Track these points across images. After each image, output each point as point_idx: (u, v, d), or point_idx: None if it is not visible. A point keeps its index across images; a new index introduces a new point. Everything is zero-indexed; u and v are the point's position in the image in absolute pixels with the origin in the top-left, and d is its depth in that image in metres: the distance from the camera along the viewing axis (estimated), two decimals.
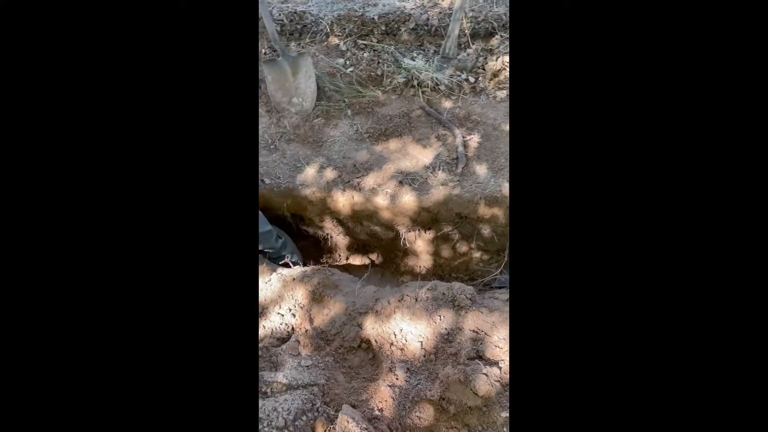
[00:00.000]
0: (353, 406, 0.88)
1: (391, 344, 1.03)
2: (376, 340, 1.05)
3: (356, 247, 1.71)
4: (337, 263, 1.74)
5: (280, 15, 1.83)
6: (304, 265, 1.41)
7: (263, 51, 1.81)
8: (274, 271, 1.27)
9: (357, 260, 1.73)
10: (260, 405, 0.86)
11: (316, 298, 1.15)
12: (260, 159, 1.59)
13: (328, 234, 1.67)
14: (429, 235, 1.58)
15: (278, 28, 1.84)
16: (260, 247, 1.45)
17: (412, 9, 1.82)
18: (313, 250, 1.75)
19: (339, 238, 1.69)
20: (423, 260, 1.64)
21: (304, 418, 0.84)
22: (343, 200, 1.49)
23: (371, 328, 1.06)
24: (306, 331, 1.09)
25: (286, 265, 1.32)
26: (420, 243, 1.62)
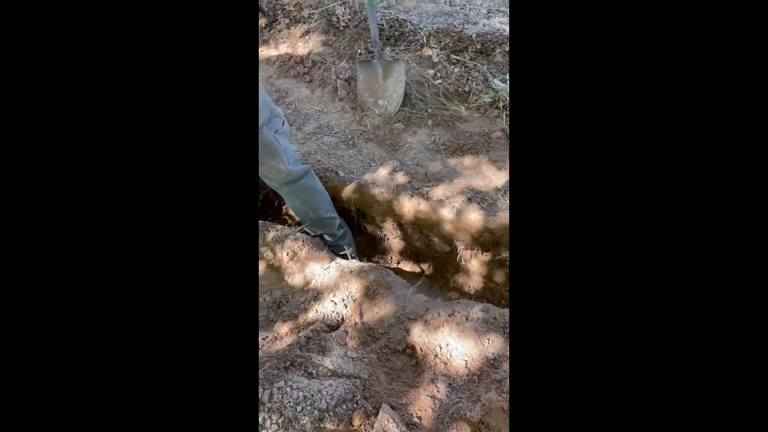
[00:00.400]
0: (392, 407, 0.89)
1: (436, 356, 1.04)
2: (421, 349, 1.06)
3: (409, 254, 1.73)
4: (388, 265, 1.76)
5: (381, 20, 1.90)
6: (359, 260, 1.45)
7: (359, 52, 1.89)
8: (333, 259, 1.32)
9: (407, 266, 1.74)
10: (306, 384, 0.90)
11: (369, 294, 1.18)
12: (338, 152, 1.66)
13: (385, 235, 1.70)
14: (486, 256, 1.56)
15: None
16: (320, 232, 1.51)
17: None
18: (367, 247, 1.79)
19: (395, 242, 1.72)
20: (474, 281, 1.63)
21: (344, 406, 0.87)
22: (410, 206, 1.51)
23: (418, 335, 1.07)
24: (355, 324, 1.13)
25: (344, 257, 1.37)
26: (474, 263, 1.60)
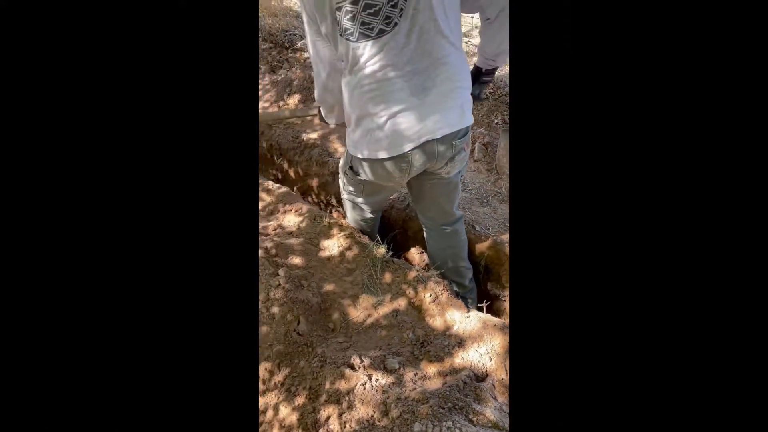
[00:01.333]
0: None
1: None
2: None
3: None
4: None
5: None
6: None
7: (496, 121, 2.04)
8: (469, 309, 1.35)
9: None
10: (474, 431, 0.91)
11: None
12: (472, 208, 1.74)
13: (506, 296, 1.71)
14: None
15: None
16: (450, 280, 1.55)
17: None
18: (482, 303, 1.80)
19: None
20: None
21: None
22: None
23: None
24: (501, 379, 1.13)
25: (480, 309, 1.39)
26: None
